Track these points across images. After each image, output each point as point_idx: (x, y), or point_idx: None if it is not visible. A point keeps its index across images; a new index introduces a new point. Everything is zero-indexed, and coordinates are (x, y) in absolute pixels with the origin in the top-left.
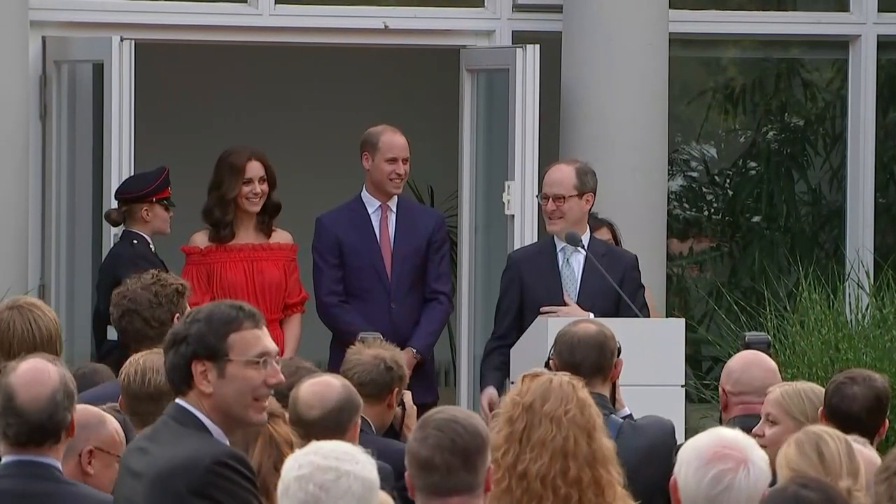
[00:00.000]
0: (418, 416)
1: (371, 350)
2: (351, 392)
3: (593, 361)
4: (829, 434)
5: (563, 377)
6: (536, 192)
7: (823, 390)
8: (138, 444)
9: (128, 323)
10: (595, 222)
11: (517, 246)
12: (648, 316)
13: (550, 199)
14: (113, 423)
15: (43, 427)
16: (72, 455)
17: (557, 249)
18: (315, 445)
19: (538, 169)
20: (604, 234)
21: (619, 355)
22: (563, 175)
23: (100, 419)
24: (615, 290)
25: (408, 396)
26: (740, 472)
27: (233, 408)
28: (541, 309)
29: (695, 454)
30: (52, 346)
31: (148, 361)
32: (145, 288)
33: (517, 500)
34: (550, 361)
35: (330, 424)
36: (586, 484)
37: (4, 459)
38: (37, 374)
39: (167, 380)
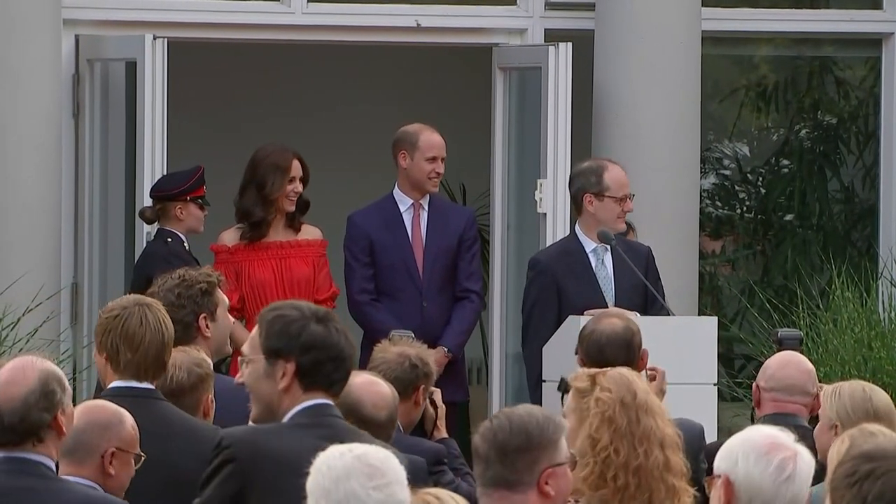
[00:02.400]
0: (448, 415)
1: (396, 348)
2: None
3: (623, 360)
4: (885, 434)
5: (621, 369)
6: (594, 192)
7: (864, 388)
8: (322, 444)
9: None
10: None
11: (549, 244)
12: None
13: (628, 199)
14: (129, 420)
15: (14, 429)
16: (93, 457)
17: (587, 250)
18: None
19: (570, 167)
20: (630, 237)
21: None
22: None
23: (119, 418)
24: (642, 285)
25: (438, 395)
26: (798, 460)
27: None
28: (585, 312)
29: (750, 447)
30: (157, 356)
31: (173, 359)
32: (170, 290)
33: (631, 496)
34: (577, 360)
35: (393, 421)
36: (676, 471)
37: None
38: (15, 374)
39: (339, 384)
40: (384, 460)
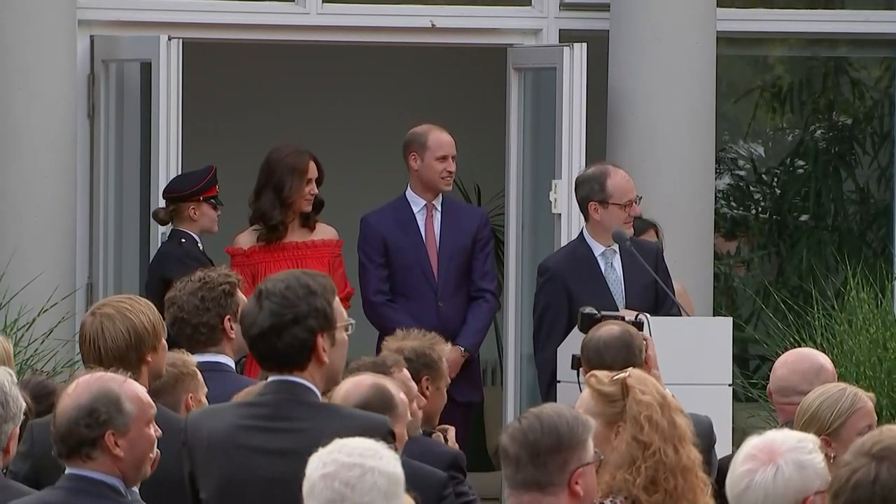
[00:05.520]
0: (463, 415)
1: (394, 343)
2: (381, 393)
3: (623, 361)
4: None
5: (636, 371)
6: (620, 201)
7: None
8: (252, 423)
9: (179, 330)
10: (644, 224)
11: (562, 246)
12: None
13: (634, 203)
14: None
15: (63, 440)
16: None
17: (596, 254)
18: (339, 443)
19: (585, 168)
20: (651, 236)
21: (646, 351)
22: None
23: None
24: (652, 284)
25: (452, 434)
26: (759, 472)
27: (337, 374)
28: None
29: (738, 455)
30: (121, 359)
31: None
32: (192, 293)
33: (680, 496)
34: (580, 368)
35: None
36: (700, 466)
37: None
38: (75, 388)
39: (283, 359)
40: (354, 479)
